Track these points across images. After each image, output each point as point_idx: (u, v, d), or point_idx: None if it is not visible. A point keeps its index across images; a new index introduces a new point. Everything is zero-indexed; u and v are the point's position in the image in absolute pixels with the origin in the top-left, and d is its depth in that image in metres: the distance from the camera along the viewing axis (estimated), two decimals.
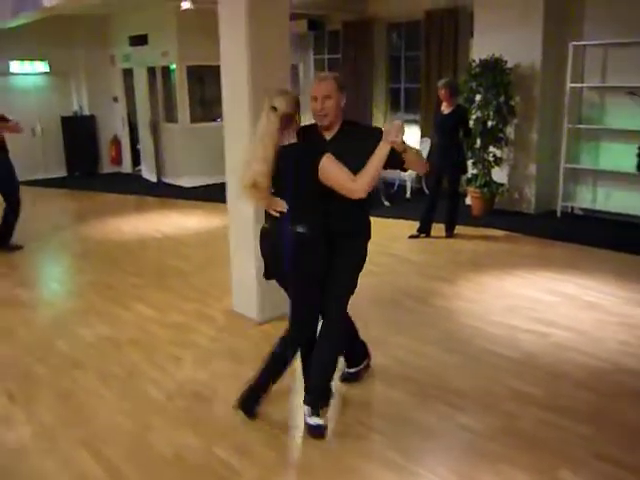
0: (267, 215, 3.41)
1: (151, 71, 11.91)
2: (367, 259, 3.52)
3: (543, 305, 5.34)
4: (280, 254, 3.33)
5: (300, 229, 3.24)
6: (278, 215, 3.29)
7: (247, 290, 5.06)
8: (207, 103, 11.72)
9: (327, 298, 3.43)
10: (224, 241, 5.41)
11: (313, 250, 3.30)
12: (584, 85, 8.22)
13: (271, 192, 3.27)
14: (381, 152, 3.15)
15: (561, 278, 6.02)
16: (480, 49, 8.51)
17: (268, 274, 3.54)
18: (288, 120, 3.22)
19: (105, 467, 3.19)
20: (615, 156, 8.06)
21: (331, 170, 3.15)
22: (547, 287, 5.78)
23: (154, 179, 12.19)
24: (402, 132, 3.15)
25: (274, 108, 3.18)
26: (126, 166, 13.38)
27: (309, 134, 3.39)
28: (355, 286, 3.51)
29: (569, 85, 8.12)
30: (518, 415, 3.62)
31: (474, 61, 8.42)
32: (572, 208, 8.67)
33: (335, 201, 3.23)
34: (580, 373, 4.12)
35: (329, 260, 3.36)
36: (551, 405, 3.72)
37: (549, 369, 4.19)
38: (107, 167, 13.40)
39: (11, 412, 3.79)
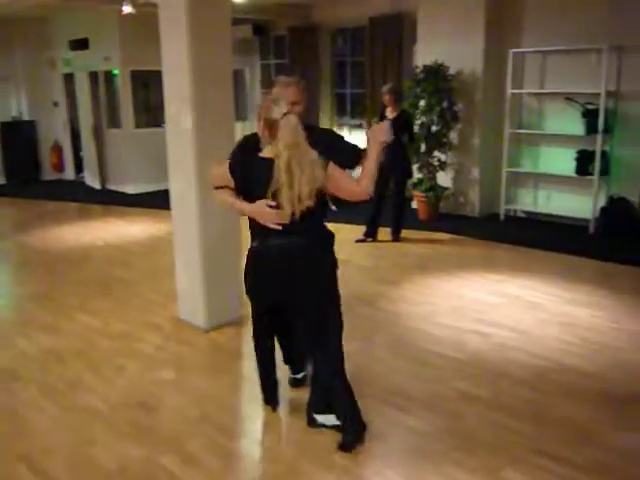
0: (259, 232, 3.23)
1: (93, 76, 11.66)
2: None
3: (487, 306, 5.43)
4: (287, 271, 3.24)
5: (311, 240, 3.23)
6: (280, 229, 3.13)
7: (193, 297, 5.00)
8: (152, 108, 11.54)
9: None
10: (169, 248, 5.34)
11: (325, 262, 3.34)
12: (524, 91, 8.43)
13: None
14: (374, 154, 3.15)
15: (504, 279, 6.14)
16: (424, 55, 8.64)
17: (265, 298, 3.44)
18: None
19: None
20: (554, 160, 8.28)
21: (341, 177, 3.14)
22: (491, 288, 5.90)
23: (98, 186, 11.94)
24: (389, 133, 3.17)
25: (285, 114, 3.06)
26: (69, 173, 13.07)
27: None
28: None
29: (509, 91, 8.31)
30: (463, 416, 3.67)
31: (418, 67, 8.54)
32: (515, 211, 8.87)
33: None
34: (523, 372, 4.21)
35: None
36: (495, 405, 3.78)
37: (493, 369, 4.26)
38: (49, 174, 13.06)
39: None
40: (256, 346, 3.62)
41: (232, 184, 3.22)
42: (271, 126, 3.04)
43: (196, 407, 3.78)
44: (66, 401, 3.92)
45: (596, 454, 3.27)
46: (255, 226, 3.24)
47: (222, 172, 3.24)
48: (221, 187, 3.30)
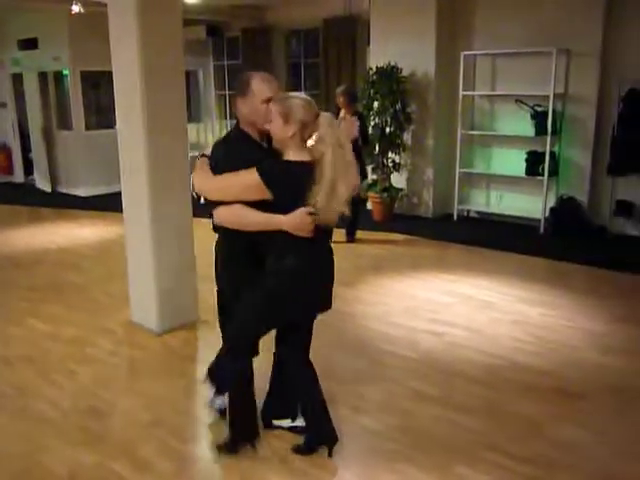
0: (292, 245, 2.93)
1: (42, 76, 11.43)
2: None
3: (441, 306, 5.50)
4: (327, 284, 3.18)
5: (330, 248, 3.19)
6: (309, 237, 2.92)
7: (145, 300, 4.94)
8: (103, 110, 11.35)
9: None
10: (122, 251, 5.26)
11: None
12: (475, 93, 8.57)
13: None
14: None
15: (458, 279, 6.23)
16: (377, 57, 8.71)
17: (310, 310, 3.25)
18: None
19: None
20: (506, 161, 8.44)
21: None
22: (444, 288, 5.97)
23: (48, 189, 11.69)
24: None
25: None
26: (18, 175, 12.76)
27: (248, 142, 3.03)
28: None
29: (461, 93, 8.44)
30: (417, 414, 3.71)
31: (371, 69, 8.61)
32: (468, 211, 9.00)
33: None
34: (475, 370, 4.28)
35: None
36: (448, 403, 3.83)
37: (446, 368, 4.32)
38: None
39: None
40: (238, 373, 3.19)
41: (263, 196, 2.82)
42: (305, 127, 2.85)
43: (149, 411, 3.74)
44: (15, 407, 3.84)
45: (545, 449, 3.34)
46: (285, 239, 2.89)
47: (244, 184, 2.83)
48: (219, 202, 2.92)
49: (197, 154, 3.14)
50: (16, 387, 4.11)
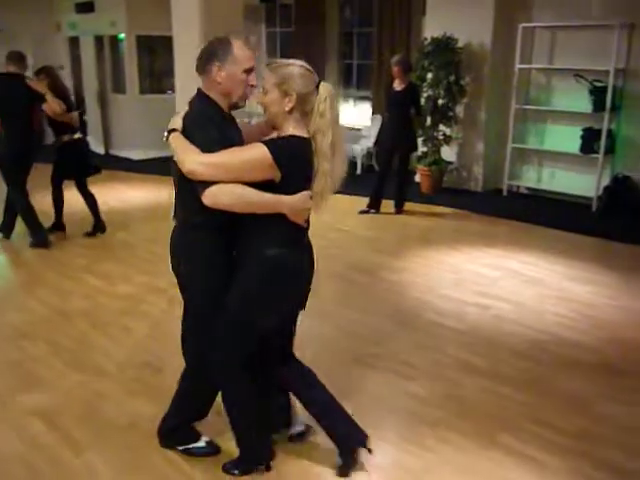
0: (285, 234, 2.63)
1: (99, 40, 11.61)
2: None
3: (487, 280, 5.50)
4: (310, 280, 2.82)
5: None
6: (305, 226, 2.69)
7: None
8: (157, 74, 11.51)
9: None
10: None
11: None
12: (532, 67, 8.41)
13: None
14: None
15: (505, 254, 6.21)
16: (432, 27, 8.59)
17: (287, 315, 2.91)
18: None
19: (58, 434, 3.19)
20: (560, 137, 8.29)
21: None
22: (492, 263, 5.96)
23: (102, 151, 11.95)
24: None
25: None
26: None
27: (224, 116, 2.66)
28: None
29: (517, 66, 8.29)
30: (462, 384, 3.76)
31: (426, 39, 8.51)
32: (518, 187, 8.90)
33: None
34: (521, 344, 4.30)
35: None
36: (493, 374, 3.87)
37: (492, 340, 4.35)
38: (52, 138, 13.01)
39: None
40: (243, 390, 2.85)
41: (269, 176, 2.49)
42: (304, 100, 2.53)
43: None
44: (74, 358, 4.01)
45: (589, 424, 3.36)
46: (278, 225, 2.58)
47: (250, 161, 2.47)
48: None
49: (165, 133, 2.61)
50: (74, 339, 4.29)
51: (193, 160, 2.44)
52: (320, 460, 3.01)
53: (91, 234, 6.79)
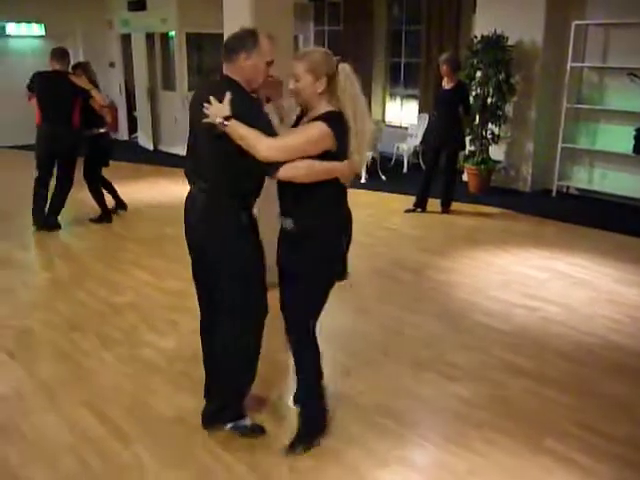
0: (336, 197, 2.93)
1: (150, 37, 11.82)
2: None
3: (535, 281, 5.42)
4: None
5: None
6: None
7: None
8: (205, 72, 11.65)
9: None
10: None
11: None
12: (585, 65, 8.23)
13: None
14: None
15: (553, 256, 6.10)
16: (482, 25, 8.49)
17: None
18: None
19: (107, 426, 3.27)
20: (612, 137, 8.10)
21: None
22: (539, 264, 5.87)
23: (150, 147, 12.17)
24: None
25: None
26: (122, 133, 13.33)
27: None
28: None
29: (570, 64, 8.13)
30: (508, 385, 3.71)
31: (475, 37, 8.41)
32: (568, 188, 8.73)
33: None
34: (568, 346, 4.22)
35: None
36: (539, 376, 3.82)
37: (539, 342, 4.29)
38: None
39: (11, 368, 3.88)
40: (315, 347, 3.11)
41: (330, 147, 2.76)
42: (332, 80, 2.81)
43: None
44: (123, 351, 4.11)
45: (634, 430, 3.29)
46: (331, 192, 2.88)
47: (316, 138, 2.74)
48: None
49: (219, 119, 2.69)
50: (123, 332, 4.38)
51: (267, 147, 2.68)
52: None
53: (97, 221, 7.13)
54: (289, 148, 2.71)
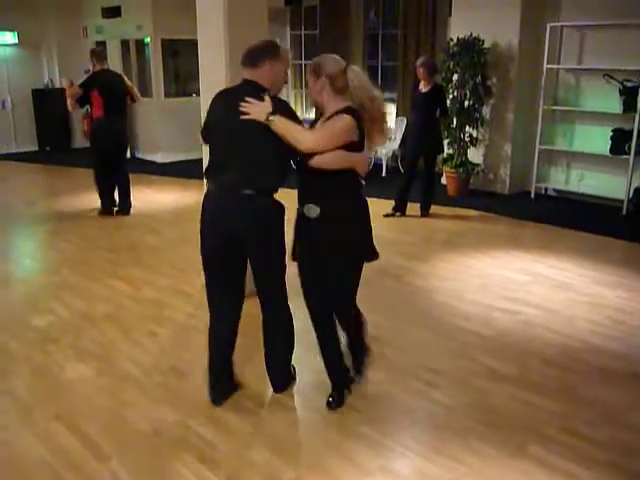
0: (355, 185, 3.31)
1: (125, 44, 11.71)
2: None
3: (515, 284, 5.42)
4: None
5: None
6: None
7: None
8: (182, 78, 11.58)
9: None
10: (198, 217, 5.36)
11: None
12: (560, 67, 8.28)
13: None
14: None
15: (533, 258, 6.10)
16: (458, 28, 8.51)
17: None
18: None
19: (82, 441, 3.19)
20: (589, 138, 8.15)
21: None
22: (519, 267, 5.87)
23: (128, 155, 11.99)
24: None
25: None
26: None
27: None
28: None
29: (546, 66, 8.17)
30: (490, 391, 3.69)
31: (452, 40, 8.43)
32: (546, 189, 8.77)
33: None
34: (550, 351, 4.21)
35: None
36: (522, 382, 3.79)
37: (521, 347, 4.27)
38: (80, 142, 13.15)
39: None
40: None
41: (355, 138, 3.11)
42: (334, 79, 3.12)
43: None
44: (99, 364, 4.02)
45: (621, 434, 3.27)
46: (351, 181, 3.24)
47: (344, 129, 3.06)
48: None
49: (266, 114, 3.03)
50: (100, 344, 4.30)
51: (312, 139, 3.05)
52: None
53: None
54: (327, 139, 3.04)
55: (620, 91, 7.57)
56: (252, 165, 3.14)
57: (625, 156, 7.62)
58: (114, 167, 7.66)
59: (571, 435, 3.25)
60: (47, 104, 12.57)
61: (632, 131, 7.51)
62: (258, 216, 3.17)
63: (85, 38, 12.62)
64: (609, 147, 7.76)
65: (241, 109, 3.04)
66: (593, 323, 4.64)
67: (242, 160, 3.15)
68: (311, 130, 3.15)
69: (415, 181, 7.51)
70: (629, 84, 7.48)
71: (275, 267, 3.33)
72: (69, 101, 7.49)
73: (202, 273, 4.93)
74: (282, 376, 3.65)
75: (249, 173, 3.14)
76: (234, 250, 3.28)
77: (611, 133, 7.74)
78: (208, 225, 3.28)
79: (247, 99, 3.03)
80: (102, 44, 12.17)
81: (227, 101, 3.20)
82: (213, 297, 3.44)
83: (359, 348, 3.62)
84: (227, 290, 3.42)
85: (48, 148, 12.74)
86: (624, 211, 7.67)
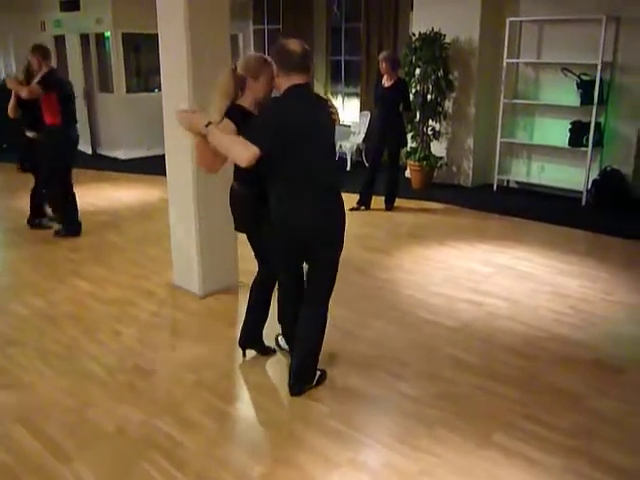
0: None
1: (84, 38, 11.50)
2: None
3: (480, 276, 5.48)
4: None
5: None
6: None
7: (188, 263, 5.00)
8: (144, 73, 11.42)
9: None
10: (162, 214, 5.33)
11: None
12: (520, 61, 8.39)
13: None
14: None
15: (496, 250, 6.19)
16: (420, 23, 8.56)
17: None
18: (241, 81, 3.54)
19: (44, 443, 3.13)
20: (549, 131, 8.28)
21: None
22: (483, 258, 5.94)
23: (89, 151, 11.83)
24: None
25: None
26: None
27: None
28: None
29: (506, 60, 8.27)
30: (455, 382, 3.73)
31: (414, 34, 8.47)
32: (508, 181, 8.89)
33: None
34: (514, 340, 4.27)
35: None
36: (486, 371, 3.85)
37: (485, 337, 4.33)
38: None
39: None
40: None
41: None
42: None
43: (193, 372, 3.81)
44: (62, 364, 3.95)
45: (583, 420, 3.34)
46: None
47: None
48: None
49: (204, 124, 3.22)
50: (63, 345, 4.22)
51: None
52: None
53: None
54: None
55: (577, 84, 7.70)
56: (336, 173, 3.60)
57: (583, 148, 7.76)
58: (63, 182, 6.66)
59: (535, 423, 3.30)
60: (4, 99, 12.22)
61: (589, 123, 7.65)
62: (340, 218, 3.44)
63: (43, 32, 12.36)
64: (568, 139, 7.89)
65: (176, 119, 3.22)
66: (556, 312, 4.73)
67: (333, 170, 3.52)
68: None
69: (379, 175, 7.54)
70: (586, 77, 7.61)
71: (335, 264, 3.58)
72: (12, 103, 6.70)
73: (167, 272, 4.92)
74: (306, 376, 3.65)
75: (335, 174, 3.55)
76: (312, 249, 3.48)
77: (570, 126, 7.87)
78: (305, 227, 3.33)
79: (183, 109, 3.29)
80: (61, 38, 11.95)
81: (310, 110, 3.29)
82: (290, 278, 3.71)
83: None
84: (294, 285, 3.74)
85: (5, 145, 12.43)
86: (583, 202, 7.81)
